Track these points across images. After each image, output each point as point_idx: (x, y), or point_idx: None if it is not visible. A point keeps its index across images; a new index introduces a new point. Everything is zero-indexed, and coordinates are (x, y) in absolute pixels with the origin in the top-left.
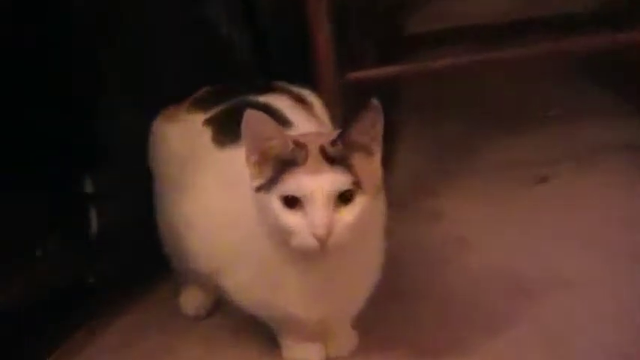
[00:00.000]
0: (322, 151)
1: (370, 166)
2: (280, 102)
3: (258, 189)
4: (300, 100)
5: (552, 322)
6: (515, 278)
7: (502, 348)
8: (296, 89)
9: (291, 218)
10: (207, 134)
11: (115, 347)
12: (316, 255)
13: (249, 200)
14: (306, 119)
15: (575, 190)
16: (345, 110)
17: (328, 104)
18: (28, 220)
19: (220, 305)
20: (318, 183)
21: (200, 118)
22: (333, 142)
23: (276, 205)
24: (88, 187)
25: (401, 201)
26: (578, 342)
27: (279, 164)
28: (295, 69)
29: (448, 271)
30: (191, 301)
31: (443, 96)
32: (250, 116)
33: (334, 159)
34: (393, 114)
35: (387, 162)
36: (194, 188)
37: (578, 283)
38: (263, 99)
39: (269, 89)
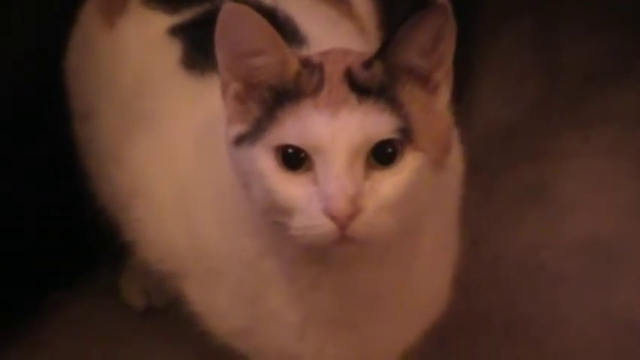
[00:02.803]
0: (348, 75)
1: (431, 109)
2: (296, 4)
3: (239, 139)
4: None
5: None
6: None
7: None
8: None
9: (291, 186)
10: (172, 51)
11: None
12: (333, 252)
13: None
14: (334, 32)
15: None
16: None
17: None
18: None
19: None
20: (338, 127)
21: (163, 20)
22: (368, 63)
23: (268, 163)
24: None
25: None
26: None
27: (275, 97)
28: None
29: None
30: (138, 287)
31: None
32: (229, 13)
33: (368, 89)
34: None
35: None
36: (145, 136)
37: None
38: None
39: None
